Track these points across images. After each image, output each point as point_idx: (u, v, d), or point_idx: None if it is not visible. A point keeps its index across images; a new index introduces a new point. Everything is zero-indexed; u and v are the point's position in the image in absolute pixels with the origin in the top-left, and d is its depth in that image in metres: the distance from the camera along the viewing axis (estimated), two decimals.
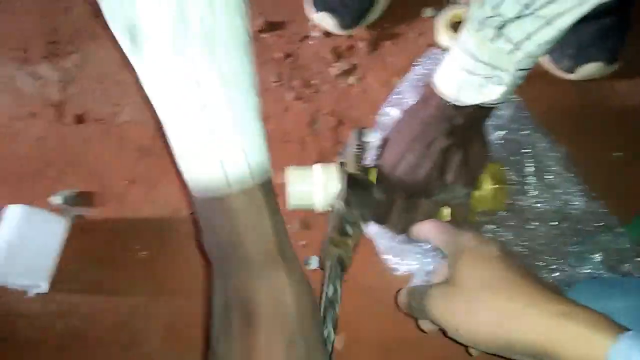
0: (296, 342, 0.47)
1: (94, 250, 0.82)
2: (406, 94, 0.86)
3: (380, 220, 0.71)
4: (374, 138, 0.82)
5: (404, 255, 0.75)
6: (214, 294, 0.50)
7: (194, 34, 0.42)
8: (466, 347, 0.54)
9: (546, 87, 0.91)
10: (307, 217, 0.82)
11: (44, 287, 0.77)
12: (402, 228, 0.70)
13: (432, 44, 0.98)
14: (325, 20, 1.00)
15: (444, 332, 0.53)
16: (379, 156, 0.72)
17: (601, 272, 0.71)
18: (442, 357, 0.67)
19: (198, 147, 0.46)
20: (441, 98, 0.66)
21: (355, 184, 0.65)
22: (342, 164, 0.73)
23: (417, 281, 0.74)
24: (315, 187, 0.72)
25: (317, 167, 0.73)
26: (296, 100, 0.93)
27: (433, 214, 0.68)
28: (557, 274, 0.72)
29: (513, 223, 0.76)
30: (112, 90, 0.97)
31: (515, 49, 0.60)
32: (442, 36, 0.97)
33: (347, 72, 0.96)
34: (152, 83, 0.46)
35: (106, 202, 0.86)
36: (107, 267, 0.80)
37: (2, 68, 1.00)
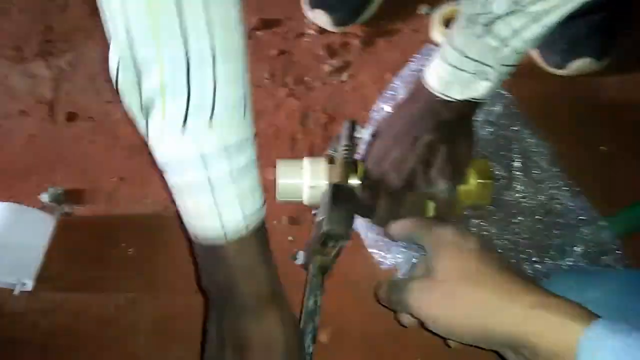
0: None
1: (82, 247, 0.81)
2: (400, 90, 0.86)
3: (366, 213, 0.71)
4: (365, 134, 0.82)
5: (390, 249, 0.75)
6: (209, 325, 0.57)
7: (200, 107, 0.45)
8: (445, 339, 0.55)
9: (536, 83, 0.91)
10: (295, 212, 0.82)
11: (29, 285, 0.76)
12: (388, 222, 0.69)
13: (427, 41, 0.97)
14: (320, 18, 1.00)
15: (422, 325, 0.53)
16: (367, 150, 0.72)
17: (582, 264, 0.72)
18: (427, 348, 0.66)
19: (200, 208, 0.50)
20: (430, 93, 0.67)
21: (340, 194, 0.64)
22: (331, 158, 0.73)
23: (402, 275, 0.74)
24: (304, 181, 0.72)
25: (307, 161, 0.73)
26: (288, 97, 0.93)
27: (418, 208, 0.68)
28: (539, 266, 0.73)
29: (498, 217, 0.76)
30: (105, 88, 0.97)
31: (502, 45, 0.61)
32: (437, 33, 0.97)
33: (340, 69, 0.95)
34: (161, 153, 0.49)
35: (95, 199, 0.85)
36: (95, 265, 0.80)
37: None
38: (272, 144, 0.87)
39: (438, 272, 0.52)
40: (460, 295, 0.50)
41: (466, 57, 0.62)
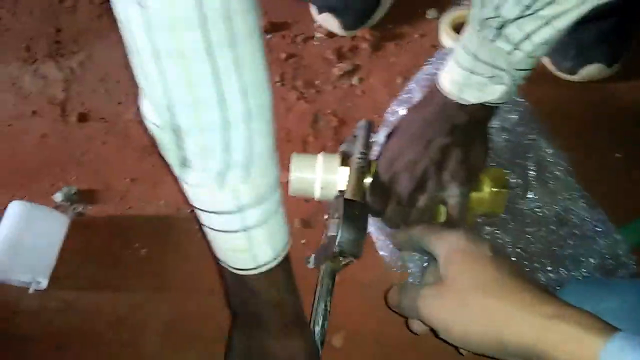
0: None
1: (94, 247, 0.82)
2: (415, 93, 0.86)
3: (377, 213, 0.71)
4: (379, 136, 0.83)
5: (402, 253, 0.75)
6: (236, 340, 0.62)
7: (238, 165, 0.47)
8: (457, 347, 0.54)
9: (547, 89, 0.91)
10: (308, 215, 0.82)
11: (43, 283, 0.76)
12: (398, 223, 0.69)
13: (436, 45, 0.98)
14: (329, 21, 1.01)
15: (434, 333, 0.53)
16: (380, 151, 0.72)
17: (596, 275, 0.72)
18: (440, 354, 0.66)
19: (233, 247, 0.54)
20: (444, 96, 0.67)
21: (353, 212, 0.65)
22: (345, 155, 0.73)
23: (413, 279, 0.74)
24: (317, 176, 0.72)
25: (321, 156, 0.73)
26: (299, 100, 0.93)
27: (429, 212, 0.68)
28: (552, 275, 0.72)
29: (512, 226, 0.76)
30: (116, 89, 0.98)
31: (514, 49, 0.61)
32: (446, 37, 0.97)
33: (349, 73, 0.96)
34: (197, 200, 0.52)
35: (108, 199, 0.86)
36: (107, 265, 0.80)
37: (6, 67, 1.01)
38: (283, 147, 0.86)
39: (450, 279, 0.51)
40: (473, 304, 0.48)
41: (479, 60, 0.63)
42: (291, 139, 0.89)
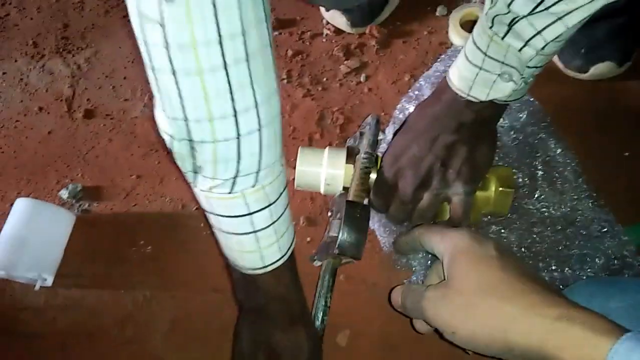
0: None
1: (100, 244, 0.82)
2: (424, 90, 0.86)
3: (381, 210, 0.70)
4: (386, 134, 0.82)
5: (395, 255, 0.75)
6: (243, 329, 0.64)
7: (248, 174, 0.49)
8: (463, 349, 0.53)
9: (558, 87, 0.90)
10: (313, 213, 0.82)
11: (49, 280, 0.77)
12: (402, 219, 0.69)
13: (444, 43, 0.97)
14: (336, 19, 1.00)
15: (440, 334, 0.52)
16: (388, 147, 0.72)
17: (602, 275, 0.71)
18: (446, 353, 0.66)
19: (243, 249, 0.56)
20: (453, 93, 0.66)
21: (354, 211, 0.64)
22: (352, 149, 0.73)
23: (416, 277, 0.74)
24: (323, 170, 0.72)
25: (327, 150, 0.73)
26: (305, 97, 0.93)
27: (433, 209, 0.67)
28: (557, 275, 0.72)
29: (517, 225, 0.76)
30: (122, 85, 0.97)
31: (525, 45, 0.60)
32: (454, 35, 0.97)
33: (357, 70, 0.96)
34: (208, 205, 0.54)
35: (113, 196, 0.86)
36: (113, 262, 0.80)
37: (13, 63, 1.01)
38: (289, 145, 0.87)
39: (455, 280, 0.51)
40: (479, 306, 0.48)
41: (489, 57, 0.62)
42: (297, 136, 0.89)
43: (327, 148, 0.73)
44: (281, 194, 0.55)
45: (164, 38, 0.40)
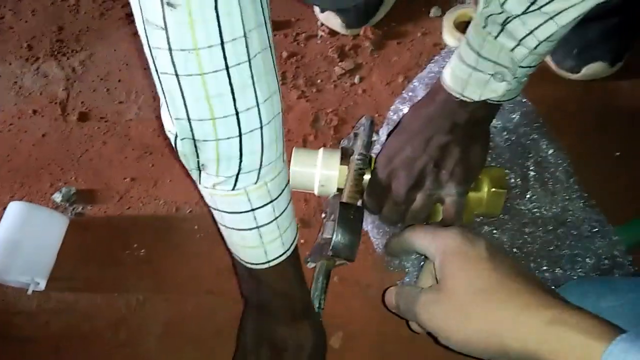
0: None
1: (93, 247, 0.82)
2: (418, 91, 0.85)
3: (374, 211, 0.70)
4: (380, 135, 0.82)
5: (387, 257, 0.75)
6: (247, 324, 0.65)
7: (250, 171, 0.50)
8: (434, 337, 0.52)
9: (550, 87, 0.90)
10: (307, 216, 0.82)
11: (42, 284, 0.76)
12: (395, 220, 0.69)
13: (438, 44, 0.97)
14: (331, 20, 1.00)
15: (434, 338, 0.52)
16: (382, 148, 0.72)
17: (593, 275, 0.71)
18: (440, 354, 0.65)
19: (247, 244, 0.57)
20: (447, 93, 0.66)
21: (348, 213, 0.64)
22: (346, 150, 0.73)
23: (409, 279, 0.74)
24: (317, 171, 0.72)
25: (321, 151, 0.73)
26: (299, 99, 0.93)
27: (426, 210, 0.67)
28: (548, 275, 0.72)
29: (509, 226, 0.76)
30: (117, 88, 0.97)
31: (518, 45, 0.61)
32: (448, 36, 0.96)
33: (351, 72, 0.95)
34: (212, 201, 0.55)
35: (107, 199, 0.86)
36: (106, 265, 0.80)
37: (7, 66, 1.01)
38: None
39: (447, 284, 0.50)
40: (472, 310, 0.48)
41: (483, 57, 0.62)
42: (292, 138, 0.89)
43: (321, 149, 0.73)
44: (283, 190, 0.56)
45: (167, 42, 0.41)
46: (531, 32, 0.59)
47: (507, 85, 0.63)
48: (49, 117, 0.94)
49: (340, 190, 0.71)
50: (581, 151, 0.82)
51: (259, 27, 0.44)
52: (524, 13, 0.58)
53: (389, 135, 0.73)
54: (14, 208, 0.78)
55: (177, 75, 0.43)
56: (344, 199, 0.67)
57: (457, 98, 0.66)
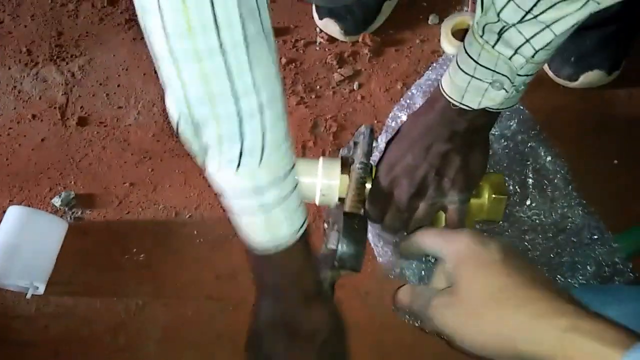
0: (325, 353, 0.60)
1: (93, 252, 0.82)
2: (416, 99, 0.86)
3: (376, 220, 0.70)
4: (379, 142, 0.82)
5: (399, 260, 0.75)
6: (260, 312, 0.63)
7: (253, 151, 0.50)
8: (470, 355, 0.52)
9: (548, 95, 0.91)
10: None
11: (41, 288, 0.76)
12: (397, 229, 0.69)
13: (436, 51, 0.98)
14: (330, 27, 1.00)
15: (448, 342, 0.51)
16: (381, 155, 0.72)
17: (593, 283, 0.72)
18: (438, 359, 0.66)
19: (254, 227, 0.56)
20: (446, 101, 0.66)
21: (352, 224, 0.64)
22: (346, 159, 0.73)
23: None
24: (318, 181, 0.72)
25: (322, 160, 0.73)
26: (298, 105, 0.93)
27: (428, 218, 0.68)
28: None
29: (509, 233, 0.76)
30: (116, 93, 0.97)
31: (515, 53, 0.61)
32: (446, 43, 0.97)
33: (350, 78, 0.96)
34: (218, 184, 0.54)
35: (106, 204, 0.86)
36: (105, 269, 0.80)
37: (6, 70, 1.01)
38: None
39: (460, 287, 0.49)
40: (487, 315, 0.47)
41: (481, 65, 0.62)
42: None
43: (320, 158, 0.73)
44: (289, 172, 0.55)
45: (162, 26, 0.42)
46: (528, 40, 0.59)
47: (506, 93, 0.63)
48: (48, 122, 0.94)
49: (341, 199, 0.71)
50: (579, 159, 0.82)
51: (257, 11, 0.45)
52: (520, 22, 0.58)
53: (388, 143, 0.73)
54: (14, 212, 0.78)
55: (173, 58, 0.44)
56: (347, 209, 0.67)
57: (456, 106, 0.66)
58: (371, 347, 0.73)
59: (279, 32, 1.02)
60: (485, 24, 0.61)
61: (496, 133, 0.81)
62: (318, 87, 0.95)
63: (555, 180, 0.78)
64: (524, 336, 0.45)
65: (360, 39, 1.00)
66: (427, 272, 0.74)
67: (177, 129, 0.50)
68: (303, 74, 0.97)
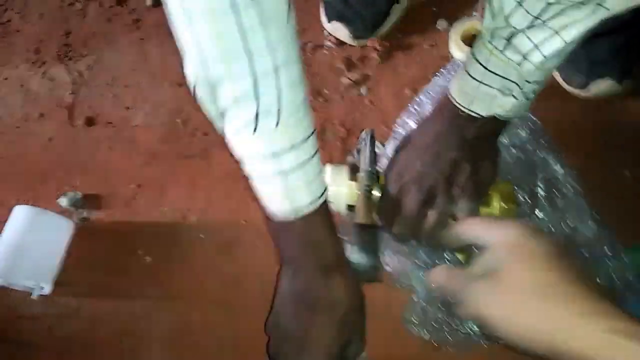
0: (342, 328, 0.59)
1: (99, 253, 0.82)
2: (425, 105, 0.85)
3: (386, 227, 0.70)
4: (387, 149, 0.82)
5: (405, 269, 0.75)
6: (280, 285, 0.62)
7: (269, 113, 0.50)
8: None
9: (558, 104, 0.90)
10: None
11: (46, 289, 0.76)
12: (406, 238, 0.69)
13: (445, 56, 0.98)
14: (339, 30, 1.00)
15: (479, 327, 0.51)
16: (390, 162, 0.71)
17: None
18: None
19: (273, 193, 0.56)
20: (455, 108, 0.66)
21: (366, 235, 0.64)
22: (353, 165, 0.73)
23: (417, 298, 0.74)
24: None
25: (328, 168, 0.73)
26: None
27: (438, 226, 0.67)
28: None
29: None
30: (124, 94, 0.97)
31: (523, 59, 0.60)
32: (455, 49, 0.97)
33: (358, 83, 0.96)
34: (237, 149, 0.54)
35: (113, 205, 0.86)
36: (111, 271, 0.80)
37: (15, 69, 1.01)
38: None
39: (507, 275, 0.49)
40: (530, 306, 0.47)
41: (489, 71, 0.62)
42: None
43: (327, 165, 0.73)
44: (309, 136, 0.55)
45: None
46: (536, 46, 0.59)
47: (515, 100, 0.63)
48: (56, 121, 0.94)
49: (349, 206, 0.71)
50: (590, 169, 0.81)
51: None
52: (528, 27, 0.58)
53: (396, 150, 0.73)
54: (20, 212, 0.78)
55: (186, 17, 0.46)
56: (359, 220, 0.67)
57: (465, 113, 0.66)
58: (377, 356, 0.73)
59: None
60: (494, 30, 0.60)
61: (506, 142, 0.80)
62: (326, 91, 0.95)
63: (565, 191, 0.78)
64: (564, 333, 0.44)
65: (369, 43, 1.00)
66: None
67: (195, 93, 0.51)
68: (311, 78, 0.97)
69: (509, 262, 0.49)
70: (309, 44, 1.01)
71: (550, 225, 0.76)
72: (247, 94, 0.49)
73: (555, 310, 0.45)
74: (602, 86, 0.89)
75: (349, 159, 0.79)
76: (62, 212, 0.85)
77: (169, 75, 0.97)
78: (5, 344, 0.76)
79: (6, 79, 1.00)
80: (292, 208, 0.56)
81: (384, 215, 0.68)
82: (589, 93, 0.90)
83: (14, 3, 1.10)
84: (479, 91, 0.63)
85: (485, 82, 0.63)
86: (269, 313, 0.64)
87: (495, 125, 0.67)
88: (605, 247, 0.74)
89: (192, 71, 0.50)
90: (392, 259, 0.75)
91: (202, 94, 0.51)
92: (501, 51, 0.61)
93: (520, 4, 0.58)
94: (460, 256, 0.72)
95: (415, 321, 0.73)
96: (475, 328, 0.71)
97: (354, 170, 0.72)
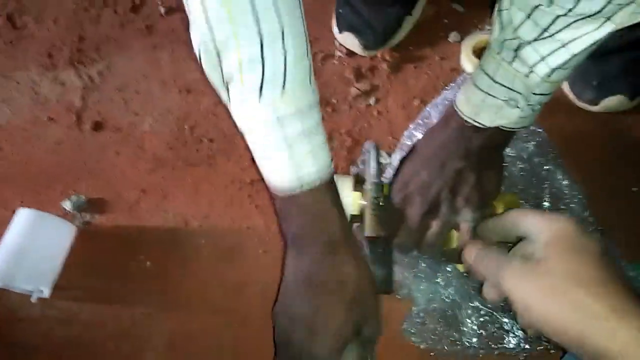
0: (353, 308, 0.57)
1: (100, 257, 0.81)
2: (433, 118, 0.85)
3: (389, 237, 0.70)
4: (393, 159, 0.81)
5: (405, 280, 0.74)
6: (286, 267, 0.60)
7: (275, 77, 0.51)
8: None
9: (568, 118, 0.90)
10: None
11: (46, 292, 0.76)
12: (408, 248, 0.68)
13: (456, 69, 0.97)
14: (349, 41, 1.00)
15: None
16: (395, 172, 0.71)
17: None
18: None
19: (278, 164, 0.55)
20: (461, 118, 0.66)
21: (377, 247, 0.64)
22: (358, 176, 0.72)
23: (417, 309, 0.73)
24: None
25: (334, 177, 0.72)
26: None
27: (442, 236, 0.67)
28: None
29: None
30: (133, 100, 0.97)
31: (530, 71, 0.60)
32: (466, 62, 0.96)
33: (367, 93, 0.95)
34: (242, 118, 0.55)
35: (116, 210, 0.86)
36: (112, 276, 0.80)
37: (26, 72, 1.01)
38: None
39: (551, 262, 0.49)
40: (568, 295, 0.47)
41: (496, 82, 0.62)
42: None
43: (334, 175, 0.72)
44: (313, 109, 0.54)
45: None
46: (543, 58, 0.59)
47: (521, 112, 0.63)
48: (64, 125, 0.95)
49: (354, 216, 0.70)
50: (596, 185, 0.81)
51: None
52: (536, 39, 0.58)
53: (402, 160, 0.72)
54: (23, 215, 0.78)
55: None
56: (367, 232, 0.66)
57: (471, 124, 0.65)
58: None
59: None
60: (503, 41, 0.61)
61: (513, 155, 0.79)
62: (334, 100, 0.95)
63: (572, 205, 0.77)
64: (595, 324, 0.45)
65: (379, 54, 0.99)
66: (434, 295, 0.73)
67: (200, 60, 0.52)
68: (320, 87, 0.93)
69: (555, 251, 0.50)
70: (319, 53, 1.01)
71: None
72: (253, 57, 0.49)
73: (592, 302, 0.46)
74: (613, 103, 0.89)
75: (353, 169, 0.79)
76: (66, 215, 0.85)
77: (178, 82, 0.97)
78: (3, 347, 0.76)
79: (18, 82, 1.00)
80: (297, 177, 0.55)
81: (387, 226, 0.68)
82: (600, 109, 0.90)
83: (30, 8, 1.11)
84: (485, 102, 0.64)
85: (491, 94, 0.63)
86: (275, 300, 0.61)
87: (501, 136, 0.67)
88: None
89: (198, 36, 0.50)
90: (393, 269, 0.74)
91: (207, 62, 0.51)
92: (509, 63, 0.61)
93: (529, 16, 0.58)
94: (460, 267, 0.71)
95: (414, 332, 0.73)
96: (474, 340, 0.70)
97: (358, 181, 0.71)
